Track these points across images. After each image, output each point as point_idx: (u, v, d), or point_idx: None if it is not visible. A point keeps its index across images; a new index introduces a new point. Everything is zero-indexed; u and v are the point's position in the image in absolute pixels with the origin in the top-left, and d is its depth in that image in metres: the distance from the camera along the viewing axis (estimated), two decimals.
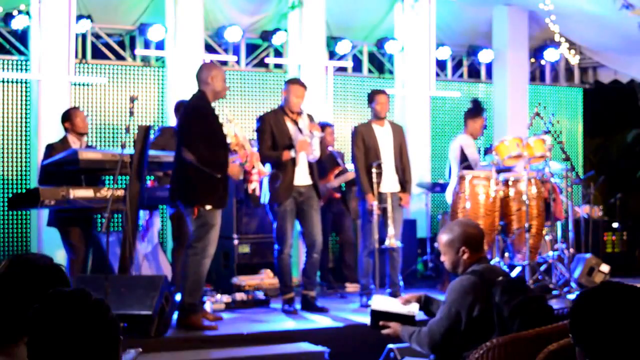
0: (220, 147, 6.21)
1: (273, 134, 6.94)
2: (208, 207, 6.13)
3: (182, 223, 7.05)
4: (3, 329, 2.42)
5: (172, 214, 7.59)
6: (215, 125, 6.25)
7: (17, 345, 2.40)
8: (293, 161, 6.94)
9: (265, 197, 7.01)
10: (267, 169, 6.97)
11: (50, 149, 7.17)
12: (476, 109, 8.36)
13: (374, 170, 7.32)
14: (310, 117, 7.11)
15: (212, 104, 6.33)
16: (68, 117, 7.32)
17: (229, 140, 6.35)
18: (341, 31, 10.05)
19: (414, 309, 4.41)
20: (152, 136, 8.06)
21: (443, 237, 4.20)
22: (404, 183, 7.60)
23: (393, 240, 7.33)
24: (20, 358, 2.35)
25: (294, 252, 7.51)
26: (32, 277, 2.43)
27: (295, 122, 6.99)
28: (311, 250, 7.05)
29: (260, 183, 6.98)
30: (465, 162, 8.07)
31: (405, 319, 4.31)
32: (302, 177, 7.02)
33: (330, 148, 8.48)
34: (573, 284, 7.84)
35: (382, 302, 4.61)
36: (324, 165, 8.01)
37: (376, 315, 4.38)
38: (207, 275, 6.56)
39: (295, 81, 7.24)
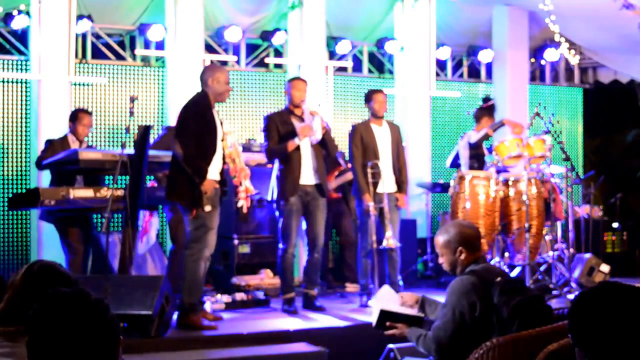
0: (205, 150, 6.17)
1: (279, 131, 6.96)
2: (207, 208, 6.12)
3: (181, 228, 7.07)
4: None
5: (170, 219, 7.58)
6: (209, 128, 6.22)
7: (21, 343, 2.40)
8: (299, 158, 6.94)
9: (272, 194, 7.02)
10: (275, 166, 7.00)
11: (50, 145, 7.19)
12: (489, 107, 8.41)
13: (369, 170, 7.31)
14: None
15: (214, 107, 6.33)
16: (73, 119, 7.34)
17: (226, 151, 6.38)
18: (341, 31, 10.05)
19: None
20: (157, 135, 8.07)
21: (440, 239, 4.20)
22: (400, 183, 7.58)
23: (391, 240, 7.32)
24: (22, 357, 2.35)
25: (294, 252, 7.50)
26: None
27: (301, 120, 6.99)
28: (313, 249, 7.06)
29: (250, 198, 7.00)
30: (472, 159, 8.12)
31: (414, 320, 4.28)
32: (308, 177, 7.02)
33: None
34: (573, 284, 7.84)
35: (386, 299, 4.56)
36: (326, 165, 8.01)
37: (384, 315, 4.33)
38: (207, 275, 6.56)
39: (295, 78, 7.35)
